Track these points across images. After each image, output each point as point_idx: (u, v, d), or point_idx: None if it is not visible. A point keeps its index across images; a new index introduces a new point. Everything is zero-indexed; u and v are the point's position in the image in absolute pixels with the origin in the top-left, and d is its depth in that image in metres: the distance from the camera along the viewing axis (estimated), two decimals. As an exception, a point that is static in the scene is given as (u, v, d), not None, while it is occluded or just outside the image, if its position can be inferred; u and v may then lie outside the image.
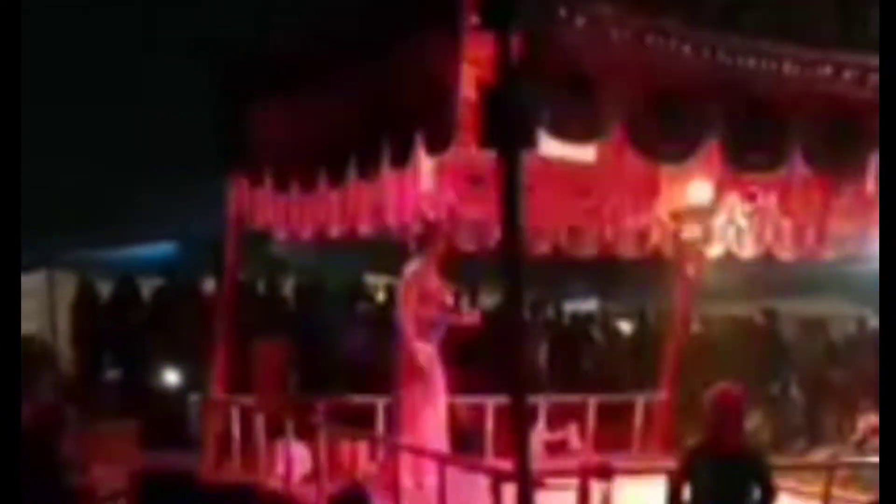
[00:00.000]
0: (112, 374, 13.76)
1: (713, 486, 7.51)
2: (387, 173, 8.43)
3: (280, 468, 10.15)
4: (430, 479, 8.63)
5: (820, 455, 11.32)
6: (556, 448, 11.95)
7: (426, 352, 10.11)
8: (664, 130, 7.65)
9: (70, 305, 14.11)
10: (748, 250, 10.90)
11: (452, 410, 10.58)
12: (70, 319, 14.00)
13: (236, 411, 10.53)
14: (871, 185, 8.58)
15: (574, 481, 7.52)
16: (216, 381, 10.84)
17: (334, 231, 9.80)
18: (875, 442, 11.40)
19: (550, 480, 7.46)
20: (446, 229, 10.36)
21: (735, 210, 10.67)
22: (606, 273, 15.27)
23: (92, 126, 15.64)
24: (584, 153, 8.85)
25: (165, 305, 14.35)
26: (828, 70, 8.02)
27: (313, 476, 9.68)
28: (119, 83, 15.99)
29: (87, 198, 15.58)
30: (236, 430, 10.48)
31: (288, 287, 15.82)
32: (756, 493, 7.63)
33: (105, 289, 14.59)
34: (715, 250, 11.19)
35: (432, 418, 10.09)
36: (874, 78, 8.04)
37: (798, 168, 8.47)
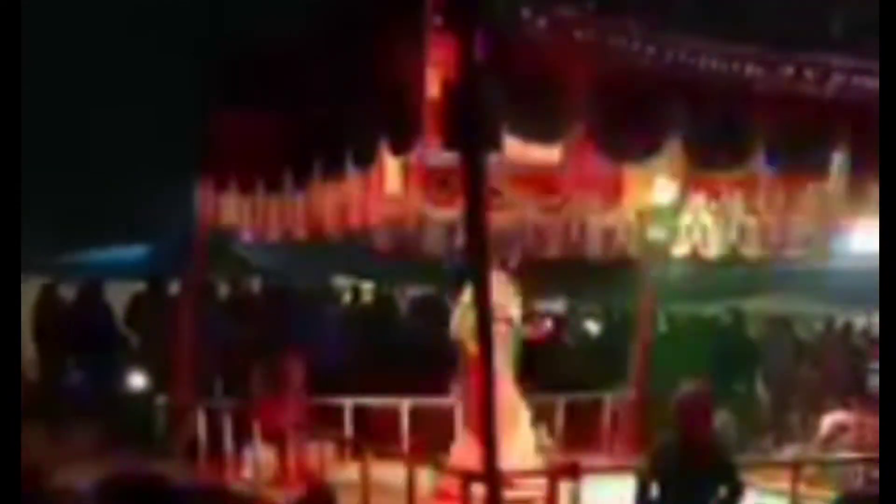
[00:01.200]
0: (76, 378, 13.68)
1: (681, 484, 7.54)
2: (351, 175, 8.43)
3: (247, 471, 10.13)
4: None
5: (787, 453, 11.36)
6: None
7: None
8: (627, 131, 7.67)
9: (31, 308, 14.03)
10: (713, 249, 10.94)
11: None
12: (31, 323, 13.92)
13: (203, 414, 10.50)
14: (833, 183, 8.63)
15: (542, 481, 7.54)
16: (183, 383, 10.79)
17: (300, 232, 9.78)
18: (841, 439, 11.48)
19: (519, 480, 7.47)
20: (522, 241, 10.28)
21: (700, 209, 10.70)
22: (573, 273, 15.26)
23: (59, 127, 15.55)
24: (548, 153, 8.87)
25: (135, 308, 14.28)
26: (790, 70, 8.06)
27: (280, 478, 9.66)
28: (90, 85, 15.89)
29: (54, 201, 15.50)
30: (203, 433, 10.45)
31: (255, 289, 15.76)
32: (723, 491, 7.67)
33: (72, 292, 14.51)
34: (680, 249, 11.22)
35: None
36: (836, 78, 8.09)
37: (761, 167, 8.51)
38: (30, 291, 14.18)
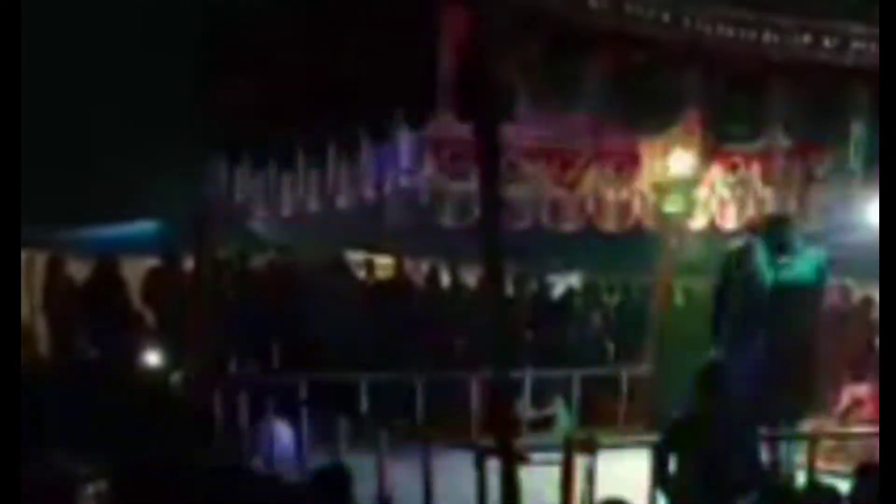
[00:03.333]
0: (91, 354, 13.67)
1: (699, 457, 7.49)
2: (366, 147, 8.39)
3: (263, 447, 10.11)
4: None
5: (804, 426, 11.29)
6: (543, 425, 11.94)
7: None
8: (643, 101, 7.60)
9: (41, 286, 14.01)
10: (730, 221, 10.86)
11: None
12: (42, 300, 13.91)
13: (219, 390, 10.47)
14: (852, 153, 8.56)
15: (558, 456, 7.50)
16: (198, 360, 10.77)
17: (313, 206, 9.74)
18: (858, 413, 11.42)
19: (535, 455, 7.42)
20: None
21: (717, 181, 10.62)
22: (590, 246, 15.20)
23: (68, 100, 15.51)
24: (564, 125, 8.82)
25: (151, 283, 14.26)
26: (807, 39, 7.97)
27: (296, 454, 9.64)
28: (96, 59, 15.84)
29: (65, 176, 15.48)
30: (219, 410, 10.42)
31: (268, 264, 15.70)
32: (741, 465, 7.61)
33: (84, 268, 14.49)
34: (697, 222, 11.15)
35: None
36: (854, 46, 8.01)
37: (779, 137, 8.44)
38: (38, 265, 14.19)
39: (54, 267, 14.02)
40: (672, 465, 7.55)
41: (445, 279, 15.96)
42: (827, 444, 9.49)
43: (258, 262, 15.33)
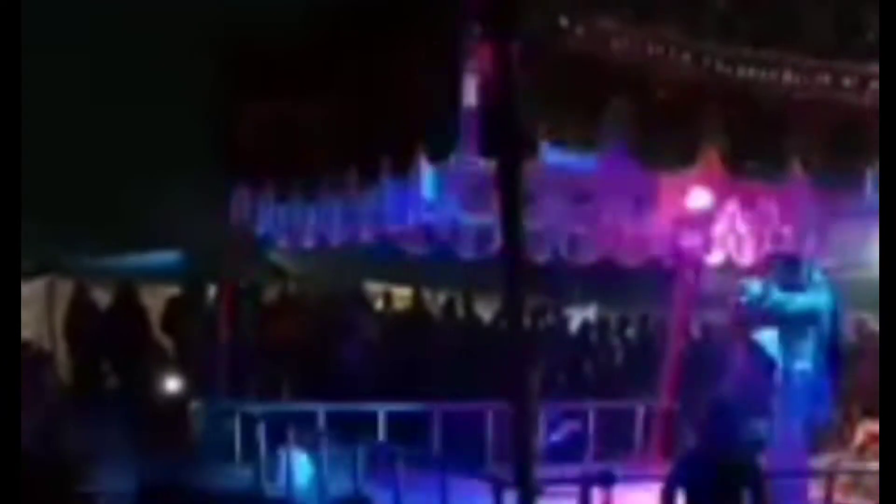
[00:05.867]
0: (112, 382, 13.75)
1: (707, 491, 7.52)
2: (388, 181, 8.46)
3: (282, 475, 10.15)
4: None
5: (821, 462, 11.30)
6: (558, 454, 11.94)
7: None
8: (663, 138, 7.66)
9: (65, 312, 14.10)
10: (748, 257, 10.90)
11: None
12: (65, 326, 13.99)
13: (238, 419, 10.52)
14: (870, 191, 8.61)
15: (575, 489, 7.54)
16: (218, 388, 10.83)
17: (335, 239, 9.81)
18: (874, 448, 11.41)
19: (551, 488, 7.47)
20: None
21: (735, 217, 10.67)
22: (607, 280, 15.24)
23: (95, 130, 15.64)
24: (585, 160, 8.87)
25: (172, 312, 14.35)
26: (827, 78, 8.04)
27: (316, 483, 9.69)
28: (122, 88, 15.99)
29: (89, 205, 15.59)
30: (238, 438, 10.47)
31: (287, 294, 15.78)
32: (748, 499, 7.63)
33: (107, 296, 14.58)
34: (715, 258, 11.19)
35: None
36: (873, 85, 8.07)
37: (797, 175, 8.49)
38: (66, 296, 14.28)
39: (79, 294, 14.10)
40: (680, 500, 7.58)
41: (460, 310, 16.03)
42: (843, 478, 9.50)
43: (274, 292, 15.40)
